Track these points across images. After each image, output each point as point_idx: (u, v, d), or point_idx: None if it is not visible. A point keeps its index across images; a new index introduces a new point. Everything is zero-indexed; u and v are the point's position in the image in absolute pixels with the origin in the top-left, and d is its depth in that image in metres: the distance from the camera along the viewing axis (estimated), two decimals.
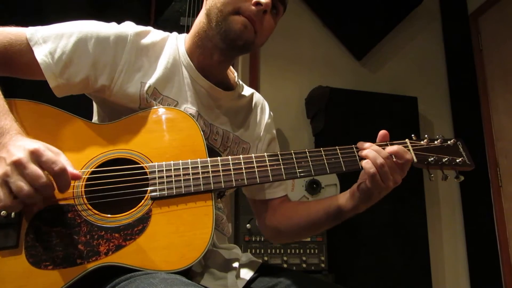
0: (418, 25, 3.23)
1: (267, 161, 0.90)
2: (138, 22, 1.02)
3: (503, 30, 2.90)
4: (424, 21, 3.25)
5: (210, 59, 1.02)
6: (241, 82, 1.16)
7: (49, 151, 0.74)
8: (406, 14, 3.09)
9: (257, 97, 1.19)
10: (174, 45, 1.04)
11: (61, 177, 0.74)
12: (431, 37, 3.28)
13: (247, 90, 1.17)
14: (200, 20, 1.02)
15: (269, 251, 2.25)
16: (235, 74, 1.15)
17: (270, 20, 0.98)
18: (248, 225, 2.27)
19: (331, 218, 0.99)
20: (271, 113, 1.20)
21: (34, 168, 0.71)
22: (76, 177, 0.77)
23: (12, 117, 0.80)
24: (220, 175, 0.86)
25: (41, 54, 0.88)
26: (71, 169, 0.76)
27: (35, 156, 0.72)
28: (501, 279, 2.71)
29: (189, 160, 0.86)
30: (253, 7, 0.93)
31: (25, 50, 0.89)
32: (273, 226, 1.11)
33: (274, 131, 1.19)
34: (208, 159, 0.88)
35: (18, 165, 0.70)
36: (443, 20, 3.31)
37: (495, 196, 2.83)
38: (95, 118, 1.06)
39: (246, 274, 1.01)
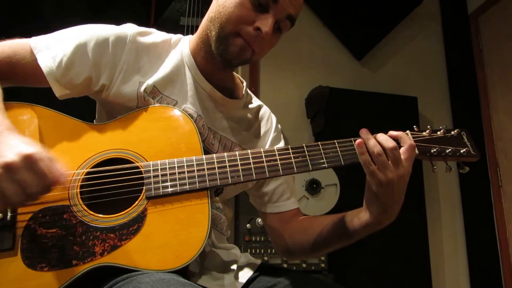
0: (418, 25, 3.22)
1: (263, 157, 0.88)
2: (138, 22, 1.02)
3: (503, 30, 2.90)
4: (424, 21, 3.24)
5: (212, 64, 1.01)
6: (250, 93, 1.14)
7: (43, 161, 0.70)
8: (406, 14, 3.09)
9: (264, 109, 1.16)
10: (179, 46, 1.03)
11: (49, 190, 0.72)
12: (431, 37, 3.28)
13: (255, 102, 1.15)
14: (205, 23, 0.99)
15: (269, 251, 2.25)
16: (244, 83, 1.13)
17: (271, 38, 0.95)
18: (248, 225, 2.27)
19: (345, 234, 0.95)
20: (279, 125, 1.16)
21: (26, 176, 0.68)
22: (64, 183, 0.74)
23: (3, 114, 0.78)
24: (215, 173, 0.85)
25: (43, 59, 0.90)
26: (63, 178, 0.73)
27: (29, 163, 0.68)
28: (501, 279, 2.70)
29: (184, 158, 0.85)
30: (253, 31, 0.91)
31: (29, 58, 0.91)
32: (284, 242, 1.07)
33: (282, 142, 1.15)
34: (203, 156, 0.86)
35: (9, 170, 0.67)
36: (443, 20, 3.31)
37: (495, 196, 2.82)
38: (96, 118, 1.06)
39: (245, 274, 1.00)
